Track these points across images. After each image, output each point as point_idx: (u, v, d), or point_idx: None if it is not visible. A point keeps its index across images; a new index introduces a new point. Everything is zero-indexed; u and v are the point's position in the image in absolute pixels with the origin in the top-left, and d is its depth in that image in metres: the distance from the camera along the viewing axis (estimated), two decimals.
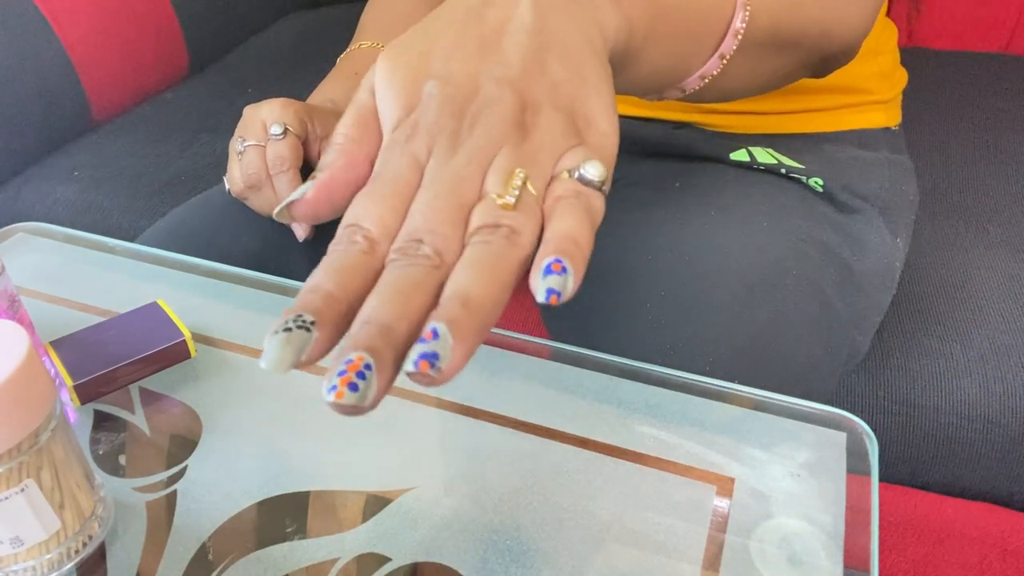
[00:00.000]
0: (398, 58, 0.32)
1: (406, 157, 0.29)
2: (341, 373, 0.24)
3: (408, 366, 0.24)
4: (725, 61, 0.42)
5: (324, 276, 0.26)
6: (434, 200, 0.27)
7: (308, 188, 0.30)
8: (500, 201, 0.27)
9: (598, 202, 0.29)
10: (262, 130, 0.57)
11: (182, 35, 1.08)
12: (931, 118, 0.98)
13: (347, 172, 0.30)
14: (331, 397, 0.24)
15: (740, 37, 0.41)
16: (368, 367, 0.24)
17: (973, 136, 0.94)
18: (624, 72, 0.37)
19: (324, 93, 0.65)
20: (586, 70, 0.31)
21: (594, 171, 0.28)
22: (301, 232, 0.56)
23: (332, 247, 0.27)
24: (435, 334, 0.24)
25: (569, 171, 0.29)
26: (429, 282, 0.26)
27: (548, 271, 0.26)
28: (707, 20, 0.41)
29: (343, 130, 0.31)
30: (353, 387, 0.24)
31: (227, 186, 0.58)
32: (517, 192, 0.27)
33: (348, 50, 0.69)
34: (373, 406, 0.24)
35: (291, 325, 0.25)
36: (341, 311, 0.25)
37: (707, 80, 0.43)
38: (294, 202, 0.30)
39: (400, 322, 0.25)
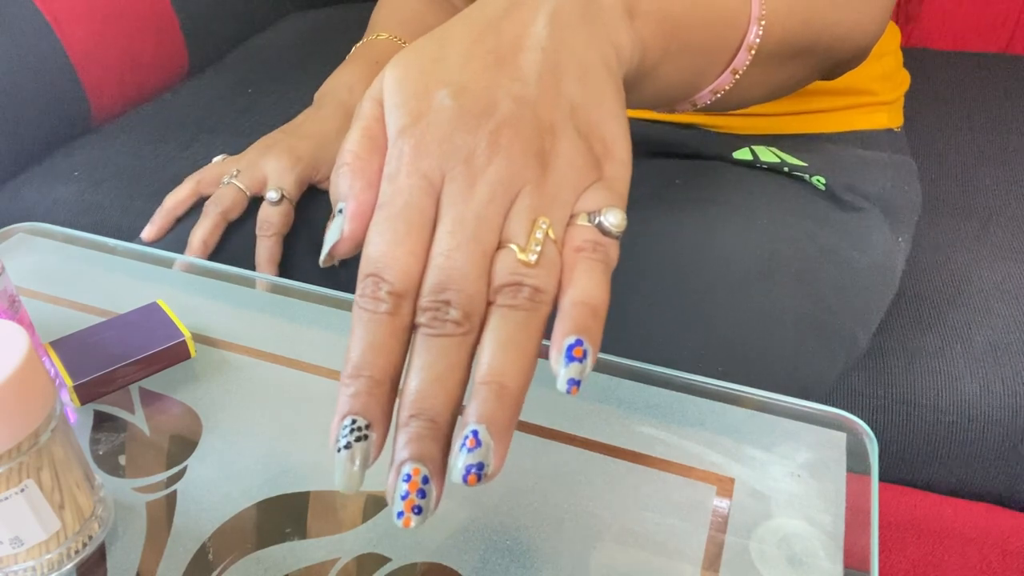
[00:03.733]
0: (409, 64, 0.31)
1: (416, 178, 0.28)
2: (404, 496, 0.26)
3: (455, 478, 0.26)
4: (738, 76, 0.41)
5: (359, 356, 0.27)
6: (457, 251, 0.27)
7: (342, 225, 0.29)
8: (522, 257, 0.27)
9: (615, 252, 0.29)
10: (260, 184, 0.59)
11: (182, 35, 1.08)
12: (931, 118, 0.98)
13: (369, 192, 0.29)
14: (400, 524, 0.26)
15: (754, 52, 0.41)
16: (426, 480, 0.26)
17: (973, 136, 0.94)
18: (636, 90, 0.36)
19: (340, 78, 0.65)
20: (603, 92, 0.31)
21: (614, 220, 0.28)
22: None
23: (359, 300, 0.27)
24: (477, 441, 0.26)
25: (588, 214, 0.28)
26: (462, 354, 0.27)
27: (570, 358, 0.26)
28: (721, 36, 0.40)
29: (350, 147, 0.30)
30: (418, 510, 0.26)
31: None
32: (539, 248, 0.27)
33: (364, 41, 0.69)
34: (434, 511, 0.27)
35: (350, 439, 0.27)
36: (386, 395, 0.27)
37: (719, 95, 0.42)
38: (335, 244, 0.29)
39: (443, 413, 0.26)
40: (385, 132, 0.30)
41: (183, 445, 0.39)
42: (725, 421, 0.39)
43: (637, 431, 0.39)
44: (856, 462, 0.37)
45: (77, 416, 0.41)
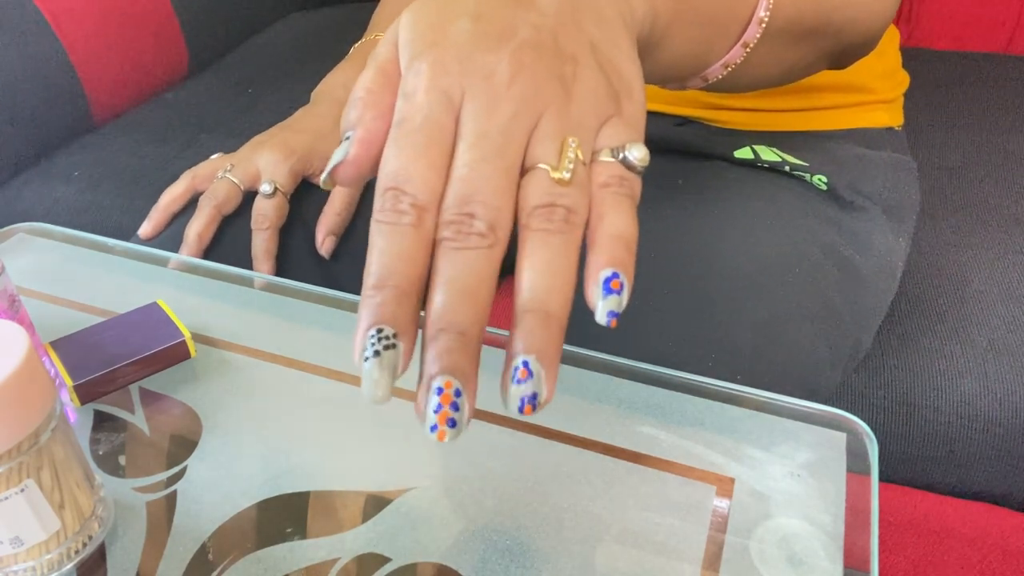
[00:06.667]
0: (425, 4, 0.30)
1: (436, 93, 0.27)
2: (437, 409, 0.25)
3: (511, 410, 0.25)
4: (748, 49, 0.42)
5: (384, 267, 0.26)
6: (482, 164, 0.26)
7: (348, 149, 0.28)
8: (556, 176, 0.26)
9: (639, 187, 0.29)
10: (254, 178, 0.59)
11: (182, 35, 1.08)
12: (931, 118, 0.98)
13: (380, 122, 0.28)
14: (434, 437, 0.25)
15: (764, 25, 0.41)
16: (459, 393, 0.25)
17: (973, 136, 0.94)
18: (649, 59, 0.36)
19: (337, 77, 0.66)
20: (620, 37, 0.31)
21: (638, 154, 0.28)
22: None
23: (378, 214, 0.26)
24: (529, 372, 0.25)
25: (612, 150, 0.28)
26: (489, 268, 0.26)
27: (608, 290, 0.26)
28: (731, 8, 0.40)
29: (363, 84, 0.29)
30: (452, 423, 0.25)
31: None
32: (572, 166, 0.27)
33: (363, 40, 0.69)
34: (467, 426, 0.26)
35: (378, 347, 0.25)
36: (413, 306, 0.26)
37: (730, 69, 0.43)
38: (337, 166, 0.28)
39: (473, 326, 0.25)
40: (399, 71, 0.29)
41: (183, 445, 0.39)
42: (725, 421, 0.39)
43: (637, 431, 0.39)
44: (856, 462, 0.37)
45: (77, 416, 0.41)
